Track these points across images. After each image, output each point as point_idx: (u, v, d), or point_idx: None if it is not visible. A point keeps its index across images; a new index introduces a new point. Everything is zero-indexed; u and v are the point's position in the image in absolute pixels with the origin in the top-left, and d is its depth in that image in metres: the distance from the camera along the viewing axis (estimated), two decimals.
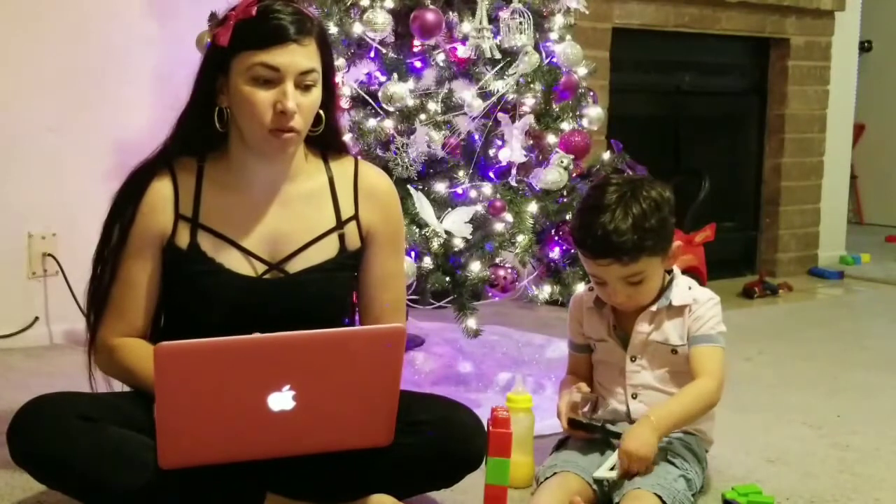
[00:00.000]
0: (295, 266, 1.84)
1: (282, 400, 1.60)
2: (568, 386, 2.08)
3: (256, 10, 1.74)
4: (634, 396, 2.04)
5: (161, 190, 1.81)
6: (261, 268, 1.83)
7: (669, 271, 2.07)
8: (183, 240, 1.81)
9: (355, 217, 1.89)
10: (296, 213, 1.85)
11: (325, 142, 1.90)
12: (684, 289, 2.05)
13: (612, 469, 1.91)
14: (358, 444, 1.71)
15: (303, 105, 1.75)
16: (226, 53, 1.76)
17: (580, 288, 2.58)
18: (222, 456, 1.64)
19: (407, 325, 2.02)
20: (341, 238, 1.87)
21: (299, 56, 1.74)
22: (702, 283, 2.19)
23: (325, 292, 1.86)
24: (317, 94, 1.78)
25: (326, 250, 1.86)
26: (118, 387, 1.88)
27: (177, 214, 1.81)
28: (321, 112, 1.84)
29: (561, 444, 2.06)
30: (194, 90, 1.82)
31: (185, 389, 1.56)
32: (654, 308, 2.02)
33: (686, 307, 2.03)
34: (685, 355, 2.03)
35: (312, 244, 1.85)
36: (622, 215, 1.93)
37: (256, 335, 1.64)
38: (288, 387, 1.60)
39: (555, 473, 1.93)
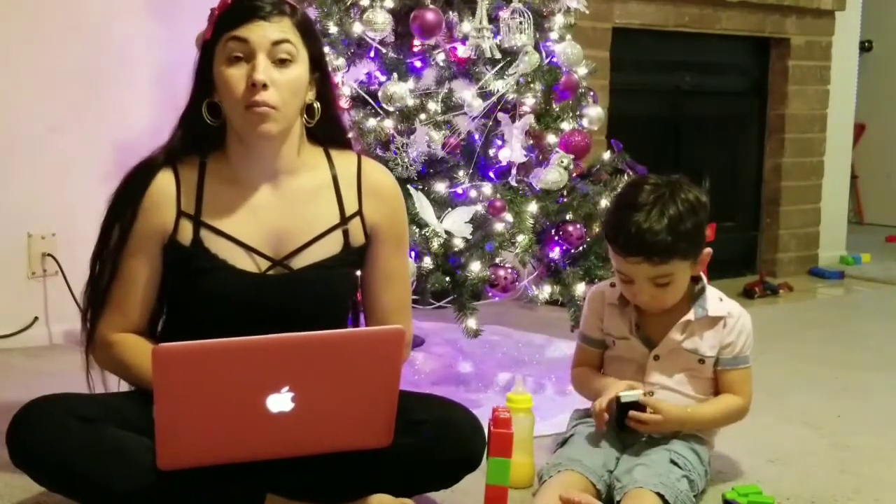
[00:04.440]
0: (299, 262, 1.83)
1: (281, 401, 1.60)
2: (593, 379, 2.09)
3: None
4: (651, 394, 2.04)
5: (163, 186, 1.81)
6: (264, 264, 1.82)
7: (699, 280, 2.07)
8: (185, 237, 1.81)
9: (359, 213, 1.88)
10: (299, 209, 1.84)
11: (326, 135, 1.90)
12: (716, 300, 2.05)
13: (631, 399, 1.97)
14: (357, 445, 1.71)
15: (279, 81, 1.74)
16: (210, 46, 1.78)
17: (580, 288, 2.59)
18: (221, 457, 1.64)
19: (413, 324, 2.02)
20: (345, 234, 1.87)
21: (269, 30, 1.75)
22: None
23: (330, 289, 1.86)
24: (296, 72, 1.77)
25: (331, 247, 1.85)
26: (115, 387, 1.89)
27: (179, 211, 1.81)
28: (317, 104, 1.84)
29: (565, 442, 2.06)
30: (191, 89, 1.83)
31: (183, 391, 1.56)
32: (690, 317, 2.02)
33: (721, 320, 2.04)
34: (710, 365, 2.05)
35: (316, 241, 1.84)
36: (658, 215, 1.92)
37: (255, 337, 1.64)
38: (287, 388, 1.59)
39: (559, 472, 1.93)
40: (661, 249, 1.92)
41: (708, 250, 2.02)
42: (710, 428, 2.06)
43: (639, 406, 1.97)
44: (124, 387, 1.87)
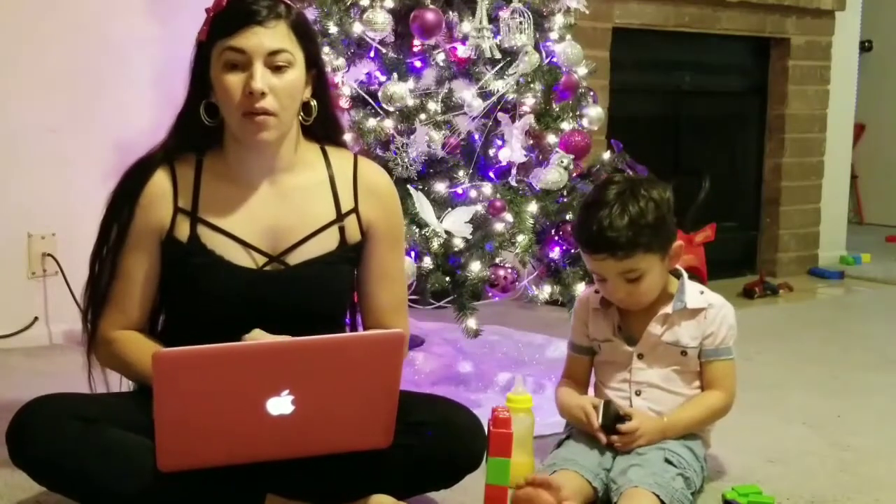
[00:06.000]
0: (295, 258, 1.84)
1: (280, 405, 1.60)
2: (568, 395, 2.09)
3: (227, 0, 1.77)
4: (638, 393, 2.05)
5: (160, 183, 1.82)
6: (261, 260, 1.83)
7: (679, 275, 2.08)
8: (182, 233, 1.81)
9: (355, 210, 1.89)
10: (295, 206, 1.85)
11: (322, 133, 1.91)
12: (696, 293, 2.06)
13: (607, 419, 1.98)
14: (357, 446, 1.71)
15: (276, 87, 1.75)
16: (206, 48, 1.78)
17: (580, 288, 2.59)
18: (221, 459, 1.64)
19: (409, 324, 2.02)
20: (341, 231, 1.87)
21: (265, 37, 1.74)
22: (702, 283, 2.20)
23: (326, 285, 1.86)
24: (293, 76, 1.77)
25: (327, 243, 1.86)
26: (116, 386, 1.89)
27: (175, 207, 1.81)
28: (313, 102, 1.85)
29: (561, 443, 2.07)
30: (188, 89, 1.83)
31: (183, 395, 1.56)
32: (668, 310, 2.04)
33: (701, 311, 2.05)
34: (694, 357, 2.05)
35: (313, 237, 1.85)
36: (619, 212, 1.96)
37: (255, 342, 1.65)
38: (287, 392, 1.59)
39: (554, 472, 1.94)
40: (623, 244, 1.95)
41: (679, 243, 2.04)
42: (695, 430, 2.06)
43: (621, 420, 1.98)
44: (125, 387, 1.88)
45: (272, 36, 1.75)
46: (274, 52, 1.75)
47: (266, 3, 1.76)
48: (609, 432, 1.97)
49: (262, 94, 1.73)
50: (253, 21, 1.74)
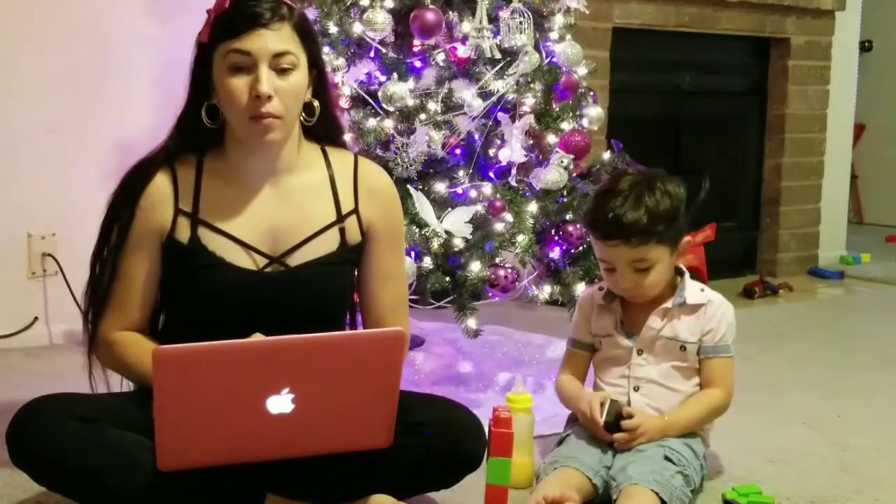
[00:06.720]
0: (296, 260, 1.84)
1: (281, 403, 1.60)
2: (574, 395, 2.09)
3: (230, 2, 1.77)
4: (636, 389, 2.05)
5: (160, 185, 1.82)
6: (262, 261, 1.83)
7: (681, 273, 2.09)
8: (183, 234, 1.81)
9: (355, 211, 1.89)
10: (296, 207, 1.85)
11: (322, 133, 1.91)
12: (697, 290, 2.08)
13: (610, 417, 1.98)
14: (357, 445, 1.71)
15: (281, 89, 1.75)
16: (208, 49, 1.78)
17: (580, 288, 2.59)
18: (221, 458, 1.64)
19: (410, 323, 2.02)
20: (342, 232, 1.88)
21: (270, 40, 1.74)
22: (702, 283, 2.21)
23: (327, 286, 1.86)
24: (297, 78, 1.78)
25: (327, 244, 1.86)
26: (117, 386, 1.89)
27: (176, 209, 1.82)
28: (315, 103, 1.85)
29: (562, 441, 2.07)
30: (189, 90, 1.83)
31: (183, 393, 1.56)
32: (668, 305, 2.05)
33: (701, 307, 2.06)
34: (693, 353, 2.05)
35: (313, 238, 1.85)
36: (634, 200, 1.98)
37: (255, 340, 1.65)
38: (287, 390, 1.59)
39: (556, 469, 1.94)
40: (639, 231, 1.97)
41: (687, 239, 2.05)
42: (694, 428, 2.06)
43: (623, 418, 1.98)
44: (126, 387, 1.88)
45: (277, 38, 1.75)
46: (279, 55, 1.75)
47: (269, 5, 1.76)
48: (611, 429, 1.97)
49: (269, 98, 1.73)
50: (258, 23, 1.74)
